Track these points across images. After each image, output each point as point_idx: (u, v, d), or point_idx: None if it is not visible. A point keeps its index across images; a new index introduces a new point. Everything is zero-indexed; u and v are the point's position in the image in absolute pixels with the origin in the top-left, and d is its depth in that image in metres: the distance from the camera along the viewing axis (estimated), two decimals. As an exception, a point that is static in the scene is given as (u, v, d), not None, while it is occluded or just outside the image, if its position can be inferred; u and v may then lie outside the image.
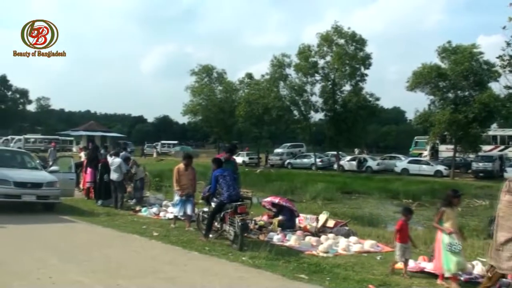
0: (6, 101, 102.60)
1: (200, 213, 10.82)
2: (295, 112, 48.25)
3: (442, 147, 46.40)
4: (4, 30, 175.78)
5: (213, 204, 10.21)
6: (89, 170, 16.89)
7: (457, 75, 36.76)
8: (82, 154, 21.87)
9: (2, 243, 9.13)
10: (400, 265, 8.33)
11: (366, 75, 44.43)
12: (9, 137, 65.86)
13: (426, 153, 47.39)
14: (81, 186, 17.53)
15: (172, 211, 12.77)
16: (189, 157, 12.26)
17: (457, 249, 7.28)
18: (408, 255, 8.14)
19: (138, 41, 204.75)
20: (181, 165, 11.86)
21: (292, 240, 10.26)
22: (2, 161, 14.51)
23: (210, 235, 10.13)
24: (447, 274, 7.32)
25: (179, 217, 11.85)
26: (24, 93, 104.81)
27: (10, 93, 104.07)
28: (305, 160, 48.57)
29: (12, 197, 12.86)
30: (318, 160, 47.22)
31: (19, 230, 10.70)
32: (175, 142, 75.68)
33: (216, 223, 10.00)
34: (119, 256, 8.56)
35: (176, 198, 11.75)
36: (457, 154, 40.18)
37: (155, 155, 61.22)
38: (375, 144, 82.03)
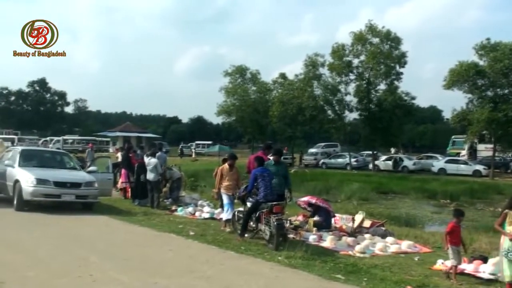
0: (45, 103, 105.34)
1: (236, 213, 10.85)
2: (329, 112, 47.87)
3: (480, 146, 45.32)
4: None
5: (248, 204, 10.23)
6: (123, 170, 17.29)
7: (497, 73, 35.90)
8: (119, 155, 22.22)
9: (43, 242, 9.35)
10: (439, 266, 8.19)
11: (402, 73, 43.83)
12: (48, 138, 67.43)
13: (464, 152, 46.38)
14: (118, 186, 17.82)
15: (222, 215, 12.87)
16: (234, 157, 12.21)
17: None
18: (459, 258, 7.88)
19: (173, 43, 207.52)
20: (226, 166, 11.87)
21: (328, 240, 10.19)
22: (42, 162, 14.92)
23: (246, 235, 10.16)
24: (506, 280, 6.86)
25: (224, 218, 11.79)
26: (62, 95, 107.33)
27: (49, 95, 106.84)
28: (340, 160, 48.19)
29: (52, 197, 13.19)
30: (353, 160, 46.81)
31: (59, 229, 10.93)
32: (210, 142, 76.13)
33: (251, 223, 10.01)
34: (156, 255, 8.67)
35: (226, 200, 11.57)
36: (496, 154, 39.19)
37: (193, 155, 61.76)
38: (411, 144, 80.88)
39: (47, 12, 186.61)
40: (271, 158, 11.07)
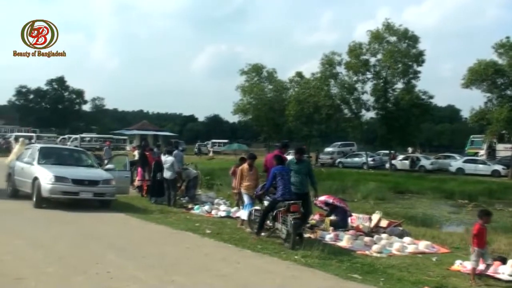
0: (64, 101, 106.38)
1: (252, 212, 10.85)
2: (346, 111, 47.59)
3: (499, 146, 44.71)
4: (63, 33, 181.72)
5: (265, 203, 10.23)
6: (139, 168, 17.48)
7: (516, 71, 35.42)
8: (136, 153, 22.38)
9: (61, 239, 9.44)
10: (457, 266, 8.11)
11: (419, 72, 43.31)
12: (66, 136, 68.13)
13: (482, 152, 45.79)
14: (135, 184, 17.94)
15: (239, 213, 12.94)
16: (254, 157, 12.19)
17: None
18: (488, 260, 7.71)
19: (189, 41, 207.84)
20: (245, 165, 11.86)
21: (344, 240, 10.15)
22: (61, 159, 15.07)
23: (262, 233, 10.16)
24: None
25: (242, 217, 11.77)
26: (80, 94, 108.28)
27: (67, 93, 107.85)
28: (356, 159, 47.91)
29: (70, 194, 13.32)
30: (369, 159, 46.51)
31: (77, 226, 11.02)
32: (226, 140, 76.24)
33: (268, 221, 10.01)
34: (173, 252, 8.71)
35: (247, 201, 11.52)
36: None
37: (211, 153, 61.96)
38: (429, 143, 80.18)
39: (63, 11, 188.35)
40: (293, 156, 11.03)
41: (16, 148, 19.59)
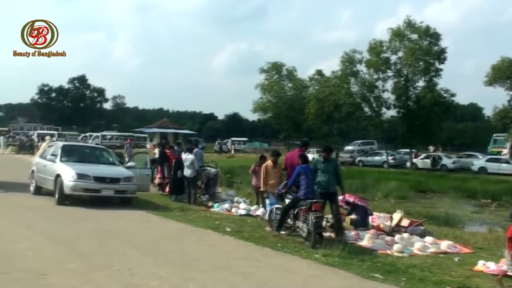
0: (85, 99, 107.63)
1: (274, 210, 10.81)
2: (366, 109, 47.30)
3: (523, 145, 44.03)
4: (82, 33, 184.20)
5: (287, 201, 10.21)
6: (159, 166, 17.61)
7: (540, 69, 34.89)
8: (156, 151, 22.51)
9: (83, 235, 9.52)
10: (480, 267, 7.99)
11: (441, 70, 42.87)
12: (87, 134, 68.90)
13: (506, 151, 44.99)
14: (155, 181, 18.05)
15: (258, 212, 13.00)
16: (278, 154, 12.10)
17: None
18: None
19: (209, 40, 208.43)
20: (269, 162, 11.78)
21: (365, 239, 10.08)
22: (82, 157, 15.23)
23: (282, 232, 10.14)
24: None
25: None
26: (101, 92, 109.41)
27: (88, 92, 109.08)
28: (377, 158, 47.56)
29: (92, 191, 13.44)
30: (390, 157, 46.15)
31: (98, 223, 11.11)
32: (245, 139, 76.40)
33: (289, 220, 9.98)
34: (193, 250, 8.73)
35: (271, 199, 11.43)
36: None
37: (232, 151, 62.20)
38: (450, 142, 79.26)
39: (85, 10, 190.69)
40: (321, 155, 10.94)
41: (42, 146, 19.86)
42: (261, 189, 11.93)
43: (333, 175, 10.31)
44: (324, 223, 10.11)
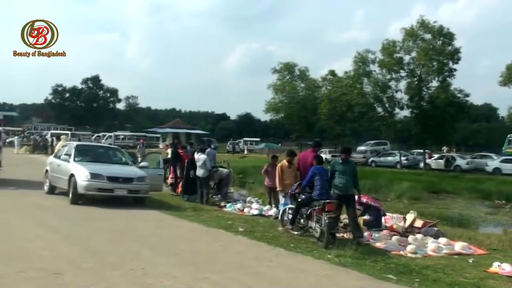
0: (98, 100, 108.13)
1: (287, 210, 10.79)
2: (379, 109, 47.07)
3: (538, 146, 43.57)
4: (95, 34, 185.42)
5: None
6: (171, 166, 17.71)
7: (556, 69, 34.51)
8: (169, 151, 22.60)
9: (96, 235, 9.61)
10: (495, 268, 7.92)
11: (455, 70, 42.50)
12: (100, 134, 69.33)
13: (520, 152, 44.66)
14: (167, 181, 18.12)
15: (271, 212, 13.00)
16: (294, 154, 12.10)
17: None
18: None
19: (221, 40, 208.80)
20: (284, 162, 11.76)
21: (378, 240, 10.04)
22: (96, 157, 15.34)
23: (295, 232, 10.12)
24: None
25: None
26: (114, 92, 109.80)
27: (101, 92, 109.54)
28: (390, 158, 47.34)
29: (105, 191, 13.52)
30: (403, 158, 45.89)
31: (112, 222, 11.20)
32: (258, 139, 76.39)
33: (302, 220, 9.96)
34: (206, 250, 8.76)
35: (283, 199, 11.48)
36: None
37: (246, 151, 62.21)
38: (464, 142, 78.61)
39: (100, 12, 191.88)
40: (340, 156, 10.86)
41: (58, 145, 20.03)
42: (277, 189, 11.86)
43: (351, 177, 10.10)
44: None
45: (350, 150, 11.24)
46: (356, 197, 10.63)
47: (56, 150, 18.27)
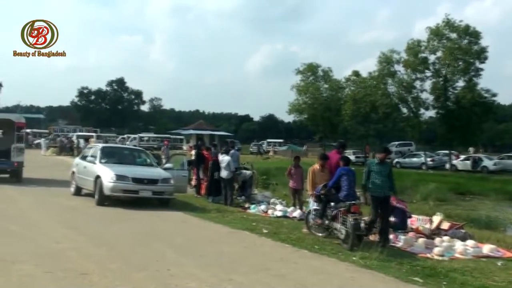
0: (123, 102, 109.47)
1: (311, 211, 10.73)
2: (404, 110, 46.61)
3: None
4: (111, 35, 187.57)
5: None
6: (195, 168, 17.82)
7: None
8: (193, 152, 22.71)
9: (122, 236, 9.71)
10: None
11: (482, 69, 41.77)
12: (125, 135, 69.99)
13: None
14: (192, 183, 18.21)
15: (295, 214, 12.98)
16: (326, 157, 11.72)
17: None
18: None
19: (244, 41, 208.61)
20: (316, 166, 11.47)
21: (404, 242, 9.93)
22: (121, 158, 15.51)
23: (320, 234, 10.08)
24: None
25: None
26: (138, 94, 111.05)
27: (126, 94, 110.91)
28: (415, 159, 46.77)
29: (131, 192, 13.65)
30: (428, 159, 45.33)
31: (137, 223, 11.31)
32: (281, 140, 76.15)
33: (326, 221, 9.91)
34: (231, 251, 8.77)
35: (313, 204, 11.19)
36: None
37: (271, 153, 62.23)
38: (491, 143, 77.36)
39: (123, 14, 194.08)
40: (377, 156, 10.72)
41: (87, 147, 20.34)
42: (309, 193, 11.65)
43: (386, 178, 9.88)
44: (362, 225, 10.00)
45: (389, 151, 11.11)
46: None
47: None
